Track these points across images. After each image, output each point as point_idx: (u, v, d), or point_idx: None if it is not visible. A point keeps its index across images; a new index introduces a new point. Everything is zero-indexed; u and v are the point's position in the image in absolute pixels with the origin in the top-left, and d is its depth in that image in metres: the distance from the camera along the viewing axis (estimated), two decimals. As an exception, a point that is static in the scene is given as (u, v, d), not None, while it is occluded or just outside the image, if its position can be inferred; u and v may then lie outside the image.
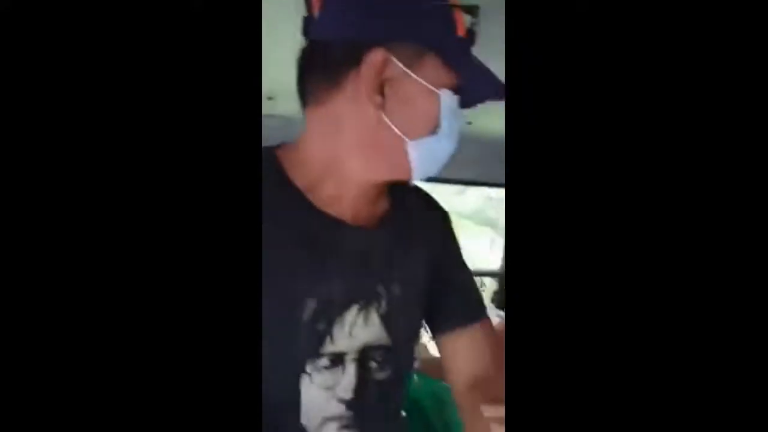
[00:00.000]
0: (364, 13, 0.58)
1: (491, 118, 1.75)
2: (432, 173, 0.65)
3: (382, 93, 0.59)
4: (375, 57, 0.57)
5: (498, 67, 0.62)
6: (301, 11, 0.61)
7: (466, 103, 0.64)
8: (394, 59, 0.58)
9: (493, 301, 2.50)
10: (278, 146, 0.67)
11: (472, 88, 0.63)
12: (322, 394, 0.63)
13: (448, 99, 0.61)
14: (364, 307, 0.64)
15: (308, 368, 0.62)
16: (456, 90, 0.62)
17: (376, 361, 0.65)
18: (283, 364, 0.61)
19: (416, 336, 0.72)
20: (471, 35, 0.62)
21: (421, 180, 0.66)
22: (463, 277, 0.77)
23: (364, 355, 0.64)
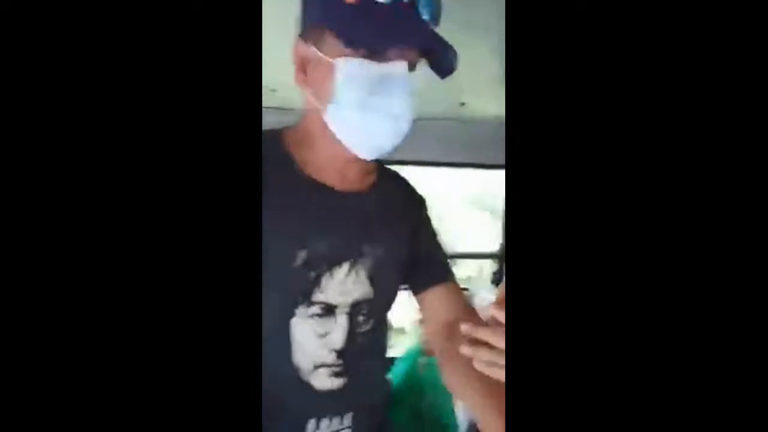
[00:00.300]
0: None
1: (486, 100, 1.77)
2: (376, 150, 0.68)
3: (304, 71, 0.67)
4: (297, 41, 0.67)
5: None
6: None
7: (439, 71, 0.67)
8: (301, 40, 0.66)
9: (492, 281, 2.58)
10: (286, 128, 0.75)
11: (436, 59, 0.65)
12: (314, 341, 0.70)
13: (346, 67, 0.63)
14: (354, 265, 0.72)
15: (298, 313, 0.69)
16: (370, 58, 0.63)
17: (362, 314, 0.74)
18: (275, 305, 0.67)
19: (395, 293, 0.81)
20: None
21: (373, 156, 0.70)
22: (435, 247, 0.87)
23: (354, 309, 0.72)
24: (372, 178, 0.79)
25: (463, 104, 1.83)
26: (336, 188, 0.73)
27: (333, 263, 0.71)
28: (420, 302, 0.86)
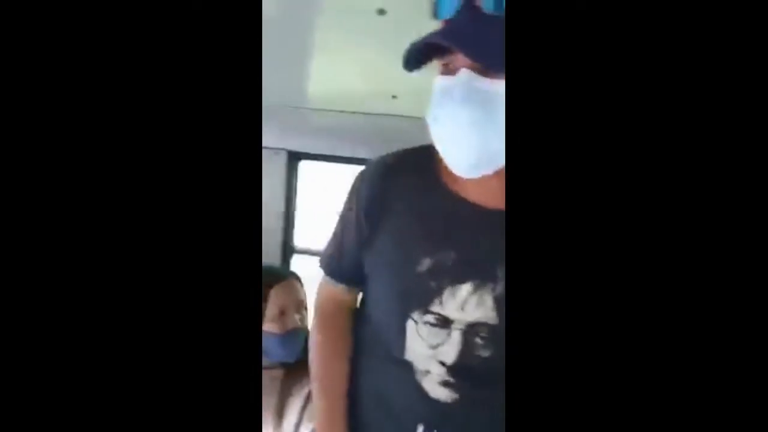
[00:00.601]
0: None
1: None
2: (468, 163, 0.67)
3: None
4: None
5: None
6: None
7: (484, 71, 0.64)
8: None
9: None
10: None
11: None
12: (426, 350, 0.71)
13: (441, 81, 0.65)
14: (479, 287, 0.69)
15: (415, 317, 0.71)
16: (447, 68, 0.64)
17: (481, 337, 0.70)
18: (394, 303, 0.72)
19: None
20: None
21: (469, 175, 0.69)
22: None
23: (471, 329, 0.70)
24: None
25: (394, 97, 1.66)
26: (479, 203, 0.71)
27: (457, 279, 0.69)
28: None
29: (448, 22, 0.64)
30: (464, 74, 0.62)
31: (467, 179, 0.69)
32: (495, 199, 0.69)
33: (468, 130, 0.63)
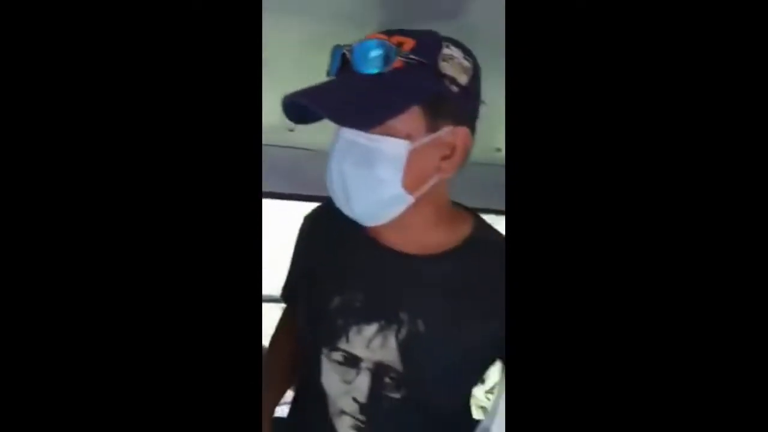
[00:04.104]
0: None
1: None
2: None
3: None
4: None
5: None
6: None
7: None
8: None
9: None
10: None
11: None
12: (341, 385, 0.72)
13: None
14: (384, 328, 0.69)
15: (324, 352, 0.72)
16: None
17: (390, 378, 0.70)
18: (308, 336, 0.74)
19: (445, 387, 0.72)
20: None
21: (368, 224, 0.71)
22: None
23: (378, 368, 0.70)
24: (453, 241, 0.71)
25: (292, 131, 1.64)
26: (390, 246, 0.72)
27: (363, 319, 0.70)
28: None
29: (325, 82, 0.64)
30: (344, 132, 0.63)
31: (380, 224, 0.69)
32: (407, 243, 0.71)
33: (350, 184, 0.64)
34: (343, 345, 0.71)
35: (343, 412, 0.72)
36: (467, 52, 0.65)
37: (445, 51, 0.63)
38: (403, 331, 0.68)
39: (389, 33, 0.62)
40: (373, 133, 0.61)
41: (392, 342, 0.69)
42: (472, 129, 0.67)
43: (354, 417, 0.71)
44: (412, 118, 0.62)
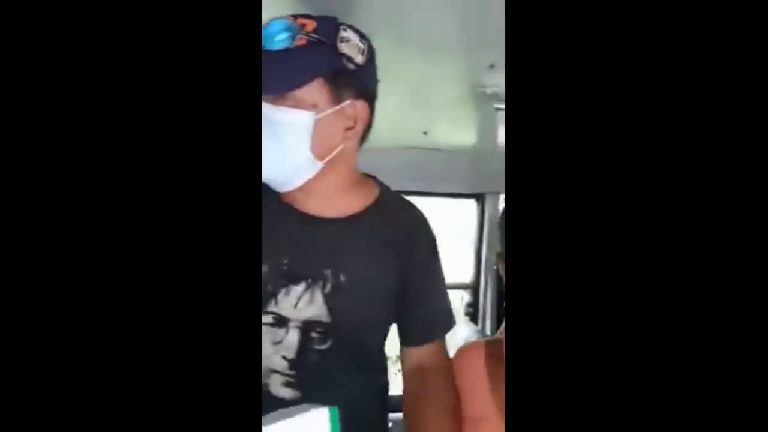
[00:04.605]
0: None
1: (448, 127, 1.72)
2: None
3: None
4: None
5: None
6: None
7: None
8: None
9: (466, 313, 2.45)
10: None
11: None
12: (270, 347, 0.77)
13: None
14: (310, 286, 0.77)
15: None
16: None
17: (317, 333, 0.78)
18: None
19: (373, 324, 0.82)
20: None
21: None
22: (430, 292, 0.86)
23: (306, 326, 0.77)
24: (364, 204, 0.81)
25: (425, 133, 1.77)
26: (307, 211, 0.79)
27: (290, 281, 0.77)
28: (402, 355, 0.87)
29: None
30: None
31: (293, 192, 0.78)
32: (321, 208, 0.80)
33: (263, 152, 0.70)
34: (272, 308, 0.77)
35: (273, 371, 0.77)
36: (362, 36, 0.75)
37: (343, 33, 0.72)
38: (328, 286, 0.77)
39: (294, 16, 0.71)
40: (283, 104, 0.70)
41: (319, 298, 0.77)
42: (371, 104, 0.77)
43: (284, 374, 0.77)
44: (316, 89, 0.71)
